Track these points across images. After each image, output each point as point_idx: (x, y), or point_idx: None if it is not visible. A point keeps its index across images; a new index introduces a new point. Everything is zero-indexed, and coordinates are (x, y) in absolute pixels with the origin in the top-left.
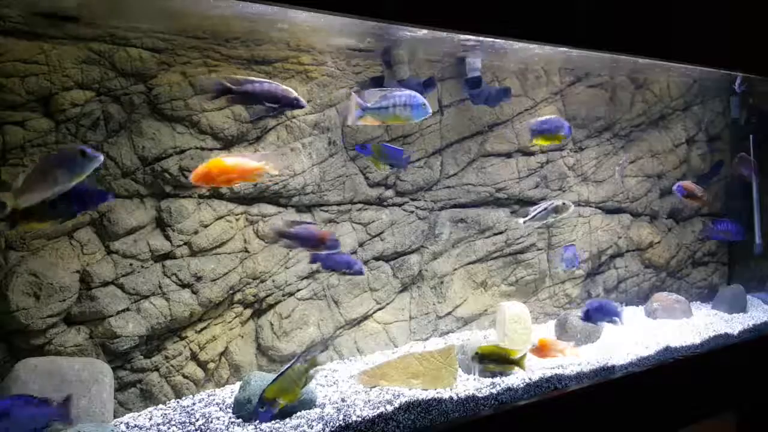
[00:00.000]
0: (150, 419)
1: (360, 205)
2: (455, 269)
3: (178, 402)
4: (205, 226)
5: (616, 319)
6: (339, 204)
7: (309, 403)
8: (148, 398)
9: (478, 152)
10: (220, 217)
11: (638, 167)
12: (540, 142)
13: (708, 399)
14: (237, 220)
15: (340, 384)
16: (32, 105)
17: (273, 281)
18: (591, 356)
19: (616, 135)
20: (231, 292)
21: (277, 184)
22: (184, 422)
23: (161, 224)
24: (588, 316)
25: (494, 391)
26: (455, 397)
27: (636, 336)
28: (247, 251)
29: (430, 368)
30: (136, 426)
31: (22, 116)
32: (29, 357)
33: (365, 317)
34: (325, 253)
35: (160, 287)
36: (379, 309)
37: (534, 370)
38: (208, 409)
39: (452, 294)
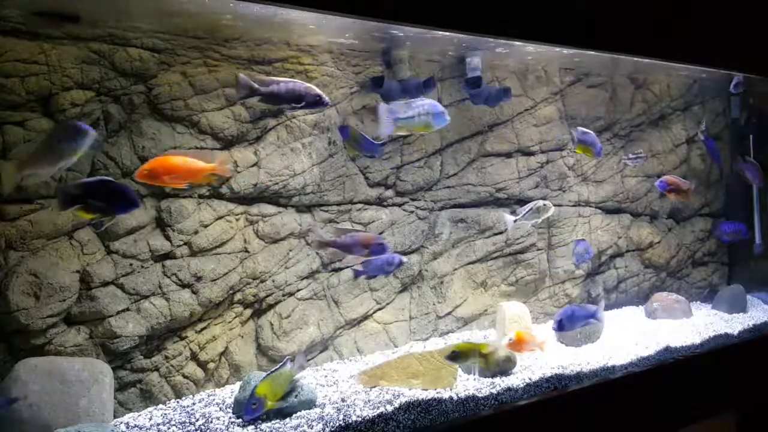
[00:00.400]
0: (150, 419)
1: (360, 205)
2: (455, 269)
3: (178, 402)
4: (205, 226)
5: (594, 320)
6: (339, 204)
7: (309, 403)
8: (148, 398)
9: (478, 152)
10: (220, 217)
11: (638, 167)
12: (580, 151)
13: (708, 399)
14: (237, 220)
15: (340, 384)
16: (32, 105)
17: (273, 281)
18: (591, 356)
19: (616, 135)
20: (231, 292)
21: (277, 184)
22: (184, 422)
23: (161, 224)
24: (561, 326)
25: (494, 391)
26: (455, 397)
27: (636, 336)
28: (247, 251)
29: (430, 368)
30: (136, 426)
31: (22, 116)
32: (29, 357)
33: (365, 317)
34: (363, 267)
35: (160, 287)
36: (379, 309)
37: (534, 370)
38: (208, 409)
39: (452, 294)
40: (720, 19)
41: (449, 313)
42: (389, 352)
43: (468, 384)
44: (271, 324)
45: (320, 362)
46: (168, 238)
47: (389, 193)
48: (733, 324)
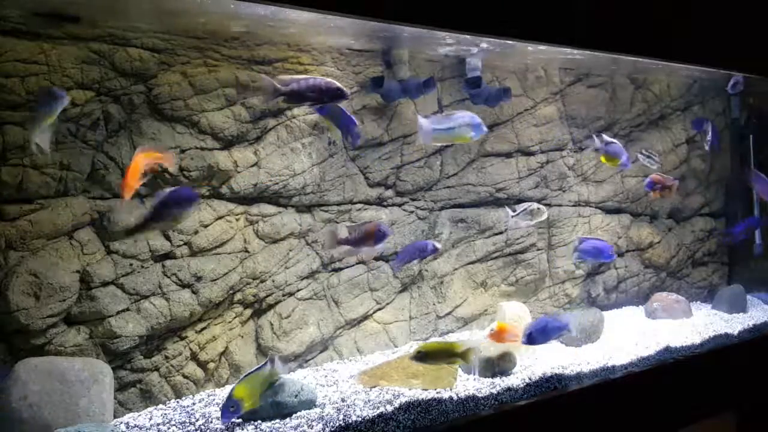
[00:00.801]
0: (150, 419)
1: (360, 205)
2: (455, 269)
3: (178, 402)
4: (205, 226)
5: (566, 331)
6: (339, 204)
7: (309, 403)
8: (148, 398)
9: (478, 152)
10: (220, 217)
11: (638, 167)
12: (604, 160)
13: (708, 399)
14: (237, 220)
15: (340, 384)
16: (32, 105)
17: (273, 281)
18: (591, 356)
19: (616, 135)
20: (231, 292)
21: (277, 184)
22: (184, 422)
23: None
24: (531, 339)
25: (494, 391)
26: (455, 397)
27: (636, 336)
28: (247, 251)
29: (430, 368)
30: (136, 426)
31: (22, 116)
32: (29, 357)
33: (365, 317)
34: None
35: (160, 287)
36: (379, 309)
37: (534, 370)
38: (208, 409)
39: (452, 294)
40: (720, 19)
41: (449, 313)
42: (389, 352)
43: (468, 384)
44: (271, 324)
45: (320, 362)
46: (168, 238)
47: (389, 193)
48: (733, 324)
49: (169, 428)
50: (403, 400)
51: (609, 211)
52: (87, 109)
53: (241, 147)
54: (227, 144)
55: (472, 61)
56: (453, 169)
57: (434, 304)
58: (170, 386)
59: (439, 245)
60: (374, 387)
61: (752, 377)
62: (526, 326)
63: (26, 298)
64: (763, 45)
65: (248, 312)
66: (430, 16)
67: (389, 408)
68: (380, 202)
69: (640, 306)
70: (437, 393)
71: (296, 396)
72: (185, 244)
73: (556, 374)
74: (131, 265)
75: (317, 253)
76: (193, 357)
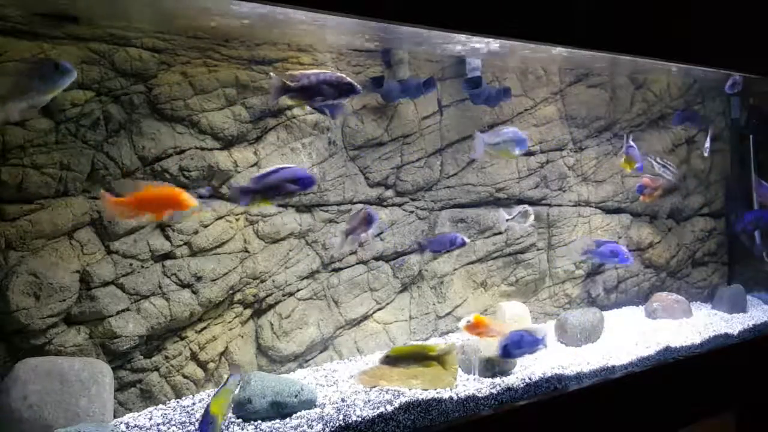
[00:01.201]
0: (150, 419)
1: (360, 205)
2: (455, 269)
3: (178, 402)
4: (205, 226)
5: (541, 346)
6: (339, 204)
7: (309, 403)
8: (148, 398)
9: None
10: (220, 217)
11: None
12: (623, 165)
13: (708, 399)
14: (237, 220)
15: (340, 384)
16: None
17: (273, 281)
18: (591, 356)
19: (616, 135)
20: (231, 292)
21: None
22: (184, 422)
23: (161, 224)
24: (506, 352)
25: (494, 391)
26: (455, 397)
27: (636, 336)
28: (247, 251)
29: (430, 368)
30: (136, 426)
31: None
32: (29, 357)
33: (365, 317)
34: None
35: (160, 287)
36: (379, 309)
37: (534, 370)
38: None
39: (452, 294)
40: (720, 19)
41: (449, 313)
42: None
43: (468, 384)
44: (271, 324)
45: (320, 362)
46: (168, 238)
47: (389, 193)
48: (733, 324)
49: (169, 428)
50: (403, 400)
51: (609, 211)
52: (87, 109)
53: (241, 147)
54: (227, 144)
55: (473, 61)
56: (453, 169)
57: (434, 304)
58: (170, 386)
59: (467, 239)
60: (374, 387)
61: (752, 377)
62: (502, 338)
63: (26, 298)
64: (763, 45)
65: (248, 312)
66: (430, 16)
67: (389, 408)
68: (380, 202)
69: (640, 306)
70: (437, 393)
71: (296, 396)
72: (185, 244)
73: (556, 374)
74: (131, 265)
75: (317, 253)
76: (193, 357)
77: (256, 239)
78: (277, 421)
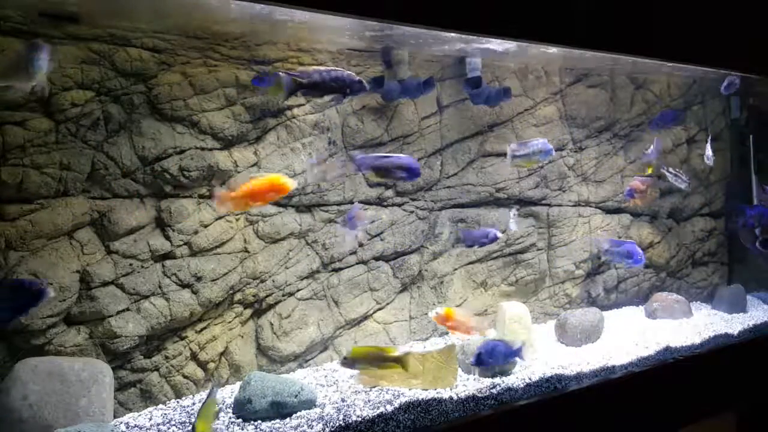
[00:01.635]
0: (150, 419)
1: (360, 205)
2: (455, 269)
3: (178, 402)
4: (205, 226)
5: (516, 358)
6: (339, 204)
7: (309, 403)
8: (148, 398)
9: (478, 152)
10: (220, 217)
11: (638, 167)
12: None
13: (708, 399)
14: (237, 220)
15: (340, 384)
16: (32, 105)
17: (273, 281)
18: (591, 356)
19: (616, 135)
20: (231, 292)
21: None
22: (184, 422)
23: (161, 224)
24: (480, 361)
25: (494, 391)
26: (455, 397)
27: (636, 336)
28: (247, 251)
29: (430, 368)
30: (136, 426)
31: (22, 116)
32: (29, 357)
33: (365, 317)
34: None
35: (160, 287)
36: (379, 309)
37: (534, 370)
38: None
39: (452, 294)
40: (720, 19)
41: None
42: None
43: (468, 384)
44: (271, 324)
45: (320, 362)
46: (168, 238)
47: (389, 193)
48: (733, 324)
49: (169, 428)
50: (403, 400)
51: (609, 211)
52: (87, 109)
53: (241, 147)
54: (227, 144)
55: (473, 61)
56: (453, 169)
57: (434, 304)
58: (170, 386)
59: (500, 234)
60: (374, 387)
61: (752, 377)
62: (477, 345)
63: None
64: (763, 45)
65: (248, 312)
66: (430, 16)
67: (389, 408)
68: (380, 202)
69: (640, 306)
70: (437, 393)
71: (296, 396)
72: (185, 244)
73: (556, 374)
74: (131, 265)
75: (317, 253)
76: (193, 357)
77: (256, 239)
78: (277, 421)
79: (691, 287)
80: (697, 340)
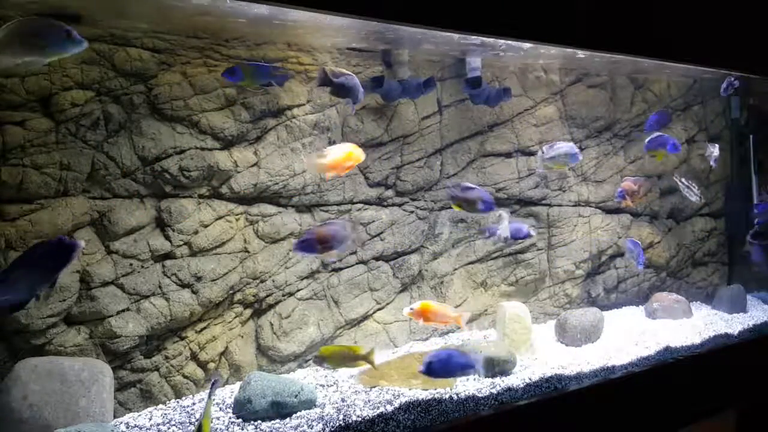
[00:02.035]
0: (150, 419)
1: (360, 205)
2: (455, 269)
3: (178, 402)
4: (205, 226)
5: (471, 371)
6: (339, 204)
7: (309, 403)
8: (148, 398)
9: (478, 152)
10: (220, 217)
11: (638, 167)
12: (658, 156)
13: (708, 399)
14: (237, 220)
15: (340, 384)
16: (32, 105)
17: (273, 281)
18: (591, 356)
19: (616, 135)
20: (231, 292)
21: (277, 184)
22: (184, 422)
23: (161, 224)
24: (430, 370)
25: (494, 391)
26: (455, 397)
27: (636, 336)
28: (247, 251)
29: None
30: (136, 426)
31: (22, 116)
32: (29, 357)
33: (365, 317)
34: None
35: (160, 287)
36: (379, 309)
37: (534, 370)
38: None
39: (452, 294)
40: (720, 19)
41: None
42: (389, 352)
43: (468, 384)
44: (271, 324)
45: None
46: (168, 238)
47: (389, 193)
48: (733, 324)
49: (169, 428)
50: (403, 400)
51: (609, 211)
52: (87, 109)
53: (241, 147)
54: (227, 144)
55: (473, 61)
56: (453, 169)
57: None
58: (170, 386)
59: (533, 232)
60: (374, 387)
61: (752, 377)
62: (431, 353)
63: None
64: (763, 45)
65: (248, 312)
66: (430, 16)
67: (389, 408)
68: (380, 202)
69: (640, 306)
70: (437, 393)
71: (296, 396)
72: (185, 244)
73: (556, 374)
74: (131, 265)
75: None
76: (193, 357)
77: (256, 239)
78: (277, 421)
79: (691, 287)
80: (697, 340)
